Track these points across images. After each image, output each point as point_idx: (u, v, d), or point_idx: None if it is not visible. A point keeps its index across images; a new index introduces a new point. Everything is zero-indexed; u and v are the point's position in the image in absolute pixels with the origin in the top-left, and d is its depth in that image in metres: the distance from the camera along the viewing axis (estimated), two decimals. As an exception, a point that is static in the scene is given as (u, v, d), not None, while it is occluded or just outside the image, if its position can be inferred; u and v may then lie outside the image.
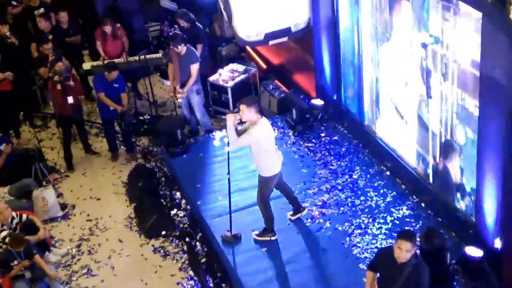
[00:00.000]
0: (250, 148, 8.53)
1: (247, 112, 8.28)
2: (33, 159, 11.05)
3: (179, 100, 11.58)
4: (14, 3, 13.81)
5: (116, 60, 12.39)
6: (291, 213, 9.37)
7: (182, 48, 11.03)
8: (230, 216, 9.01)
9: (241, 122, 8.40)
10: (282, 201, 9.32)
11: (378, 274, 7.19)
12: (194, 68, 11.10)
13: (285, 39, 11.19)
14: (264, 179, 8.67)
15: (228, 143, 8.51)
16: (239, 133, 8.39)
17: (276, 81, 12.58)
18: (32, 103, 13.31)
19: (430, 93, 8.64)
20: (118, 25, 12.67)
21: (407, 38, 8.87)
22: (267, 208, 8.88)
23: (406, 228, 7.71)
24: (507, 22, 6.70)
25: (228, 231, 9.11)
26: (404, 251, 6.64)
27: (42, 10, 13.57)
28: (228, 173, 8.76)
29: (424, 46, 8.52)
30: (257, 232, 9.11)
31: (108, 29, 12.48)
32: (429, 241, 7.92)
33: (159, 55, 12.88)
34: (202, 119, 11.62)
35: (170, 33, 12.99)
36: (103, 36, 12.60)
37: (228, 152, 8.62)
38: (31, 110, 13.20)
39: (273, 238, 9.06)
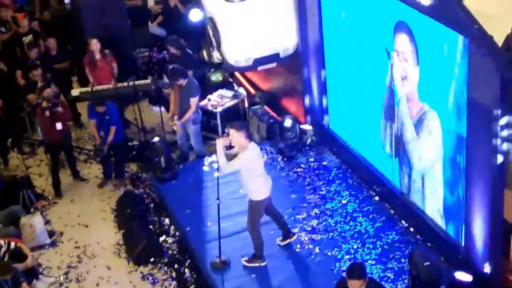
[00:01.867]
0: (240, 173, 8.53)
1: (237, 137, 8.31)
2: (21, 186, 11.00)
3: (175, 128, 11.61)
4: (3, 29, 13.80)
5: (104, 87, 12.39)
6: (280, 238, 9.34)
7: (183, 81, 11.06)
8: (220, 242, 8.97)
9: (230, 147, 8.41)
10: (272, 226, 9.29)
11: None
12: (193, 101, 11.10)
13: (273, 64, 11.24)
14: (254, 203, 8.67)
15: (218, 169, 8.51)
16: (229, 158, 8.40)
17: (265, 107, 12.60)
18: (20, 130, 13.26)
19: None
20: (107, 51, 12.67)
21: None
22: (257, 233, 8.86)
23: (352, 263, 7.72)
24: (494, 47, 6.76)
25: (217, 257, 9.07)
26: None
27: (30, 37, 13.58)
28: (218, 199, 8.75)
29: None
30: (246, 258, 9.07)
31: (95, 45, 12.38)
32: (416, 265, 7.93)
33: (148, 81, 12.87)
34: (196, 146, 11.59)
35: (160, 59, 13.06)
36: (92, 61, 12.58)
37: (218, 178, 8.61)
38: (19, 137, 13.15)
39: (262, 264, 9.03)
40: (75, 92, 12.73)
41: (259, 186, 8.61)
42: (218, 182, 8.67)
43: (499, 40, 6.80)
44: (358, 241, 9.31)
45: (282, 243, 9.33)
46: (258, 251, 9.00)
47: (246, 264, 9.06)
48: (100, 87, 12.39)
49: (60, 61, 13.09)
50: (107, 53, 12.61)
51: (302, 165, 11.06)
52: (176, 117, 11.32)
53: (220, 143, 8.34)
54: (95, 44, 12.42)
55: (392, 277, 8.66)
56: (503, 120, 7.05)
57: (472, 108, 7.46)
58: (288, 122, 11.35)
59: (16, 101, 12.75)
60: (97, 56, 12.49)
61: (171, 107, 11.51)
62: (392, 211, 9.76)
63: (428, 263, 7.86)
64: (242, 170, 8.51)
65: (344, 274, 8.59)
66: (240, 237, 9.36)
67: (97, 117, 11.35)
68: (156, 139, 11.39)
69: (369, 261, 8.94)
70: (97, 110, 11.28)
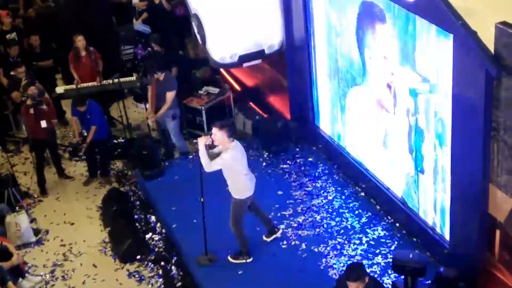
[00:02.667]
0: (223, 171, 8.53)
1: (220, 136, 8.31)
2: (5, 184, 10.95)
3: (150, 122, 11.60)
4: (-15, 27, 13.73)
5: (89, 84, 12.35)
6: (266, 234, 9.35)
7: (160, 75, 11.04)
8: (205, 239, 8.97)
9: (213, 145, 8.40)
10: (258, 223, 9.30)
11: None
12: (170, 95, 11.09)
13: (259, 61, 11.25)
14: (237, 202, 8.67)
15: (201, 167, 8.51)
16: (213, 156, 8.40)
17: (251, 103, 12.61)
18: (5, 128, 13.19)
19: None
20: (92, 48, 12.62)
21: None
22: (240, 230, 8.86)
23: (351, 264, 7.69)
24: (478, 43, 6.79)
25: (203, 254, 9.07)
26: None
27: (14, 34, 13.50)
28: (202, 197, 8.74)
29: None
30: (232, 255, 9.07)
31: (80, 41, 12.32)
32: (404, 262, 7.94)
33: (133, 78, 12.85)
34: (177, 143, 11.59)
35: (145, 56, 13.02)
36: (77, 58, 12.52)
37: (201, 174, 8.60)
38: (4, 135, 13.09)
39: (248, 260, 9.04)
40: (60, 89, 12.70)
41: (243, 185, 8.62)
42: (202, 178, 8.65)
43: (483, 36, 6.82)
44: (344, 237, 9.33)
45: (268, 239, 9.35)
46: (243, 248, 9.01)
47: (232, 261, 9.07)
48: (85, 85, 12.37)
49: (44, 59, 13.03)
50: (92, 51, 12.56)
51: (288, 162, 11.07)
52: (152, 110, 11.35)
53: (202, 141, 8.34)
54: (80, 41, 12.37)
55: (378, 272, 8.69)
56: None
57: (456, 103, 7.49)
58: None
59: (0, 99, 12.69)
60: (82, 53, 12.44)
61: (149, 101, 11.51)
62: (377, 207, 9.79)
63: (411, 255, 7.88)
64: (225, 169, 8.51)
65: (334, 267, 8.76)
66: (226, 233, 9.33)
67: (79, 116, 11.33)
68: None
69: (356, 257, 8.96)
70: (79, 109, 11.27)
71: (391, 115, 8.96)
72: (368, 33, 8.99)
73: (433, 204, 8.59)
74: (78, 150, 12.13)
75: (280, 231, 9.40)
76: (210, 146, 8.45)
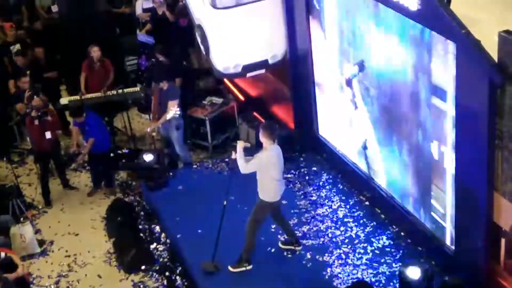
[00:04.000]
0: (257, 172, 8.61)
1: (261, 136, 8.54)
2: (10, 196, 10.97)
3: (149, 131, 11.71)
4: (-11, 39, 13.79)
5: (93, 95, 12.40)
6: (283, 242, 9.39)
7: (164, 84, 11.08)
8: (217, 244, 8.94)
9: (248, 151, 8.60)
10: (264, 232, 9.29)
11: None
12: (171, 104, 11.11)
13: (262, 71, 11.27)
14: (262, 203, 8.74)
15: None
16: (247, 160, 8.58)
17: (254, 113, 12.62)
18: (9, 139, 13.22)
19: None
20: (106, 59, 12.66)
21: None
22: (254, 234, 8.87)
23: (357, 283, 7.61)
24: (481, 51, 6.80)
25: (210, 260, 9.04)
26: None
27: (18, 46, 13.55)
28: (226, 199, 8.88)
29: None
30: (232, 265, 9.05)
31: (95, 52, 12.43)
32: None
33: (137, 88, 12.88)
34: (181, 153, 11.60)
35: (149, 66, 13.05)
36: (90, 67, 12.57)
37: (230, 178, 8.75)
38: (8, 146, 13.12)
39: (248, 267, 9.02)
40: (64, 100, 12.74)
41: (273, 189, 8.72)
42: (230, 182, 8.79)
43: (487, 44, 6.83)
44: (349, 246, 9.33)
45: (283, 246, 9.38)
46: (245, 253, 8.99)
47: (232, 270, 9.05)
48: (89, 96, 12.42)
49: (49, 70, 13.06)
50: (106, 61, 12.63)
51: (292, 171, 11.07)
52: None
53: (240, 145, 8.55)
54: (95, 52, 12.46)
55: (383, 281, 8.68)
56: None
57: (460, 112, 7.50)
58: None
59: (5, 110, 12.73)
60: (97, 63, 12.51)
61: (152, 111, 11.54)
62: (382, 216, 9.79)
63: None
64: (259, 170, 8.63)
65: (339, 276, 8.75)
66: (234, 244, 9.28)
67: (80, 126, 11.37)
68: (149, 158, 11.32)
69: (361, 266, 8.95)
70: (77, 120, 11.31)
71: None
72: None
73: (437, 213, 8.59)
74: (72, 161, 12.20)
75: (300, 247, 9.35)
76: (246, 149, 8.60)
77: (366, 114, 9.51)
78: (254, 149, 11.54)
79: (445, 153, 8.04)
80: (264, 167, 8.56)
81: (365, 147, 9.77)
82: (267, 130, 8.57)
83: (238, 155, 8.54)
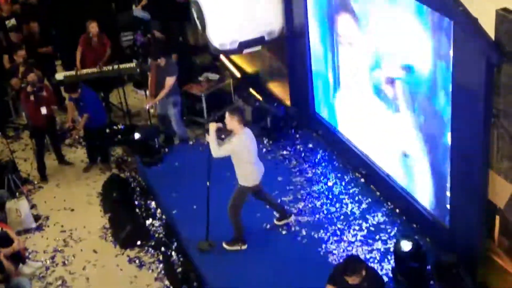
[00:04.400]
0: (232, 157, 8.54)
1: (229, 121, 8.36)
2: (6, 171, 10.96)
3: (147, 107, 11.67)
4: (-16, 14, 13.70)
5: (89, 70, 12.35)
6: (277, 217, 9.42)
7: (161, 60, 11.04)
8: (208, 224, 8.99)
9: (223, 131, 8.39)
10: (259, 209, 9.32)
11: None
12: (169, 80, 11.06)
13: (259, 47, 11.23)
14: (241, 188, 8.69)
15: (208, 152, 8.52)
16: (221, 144, 8.42)
17: (251, 90, 12.60)
18: (5, 114, 13.19)
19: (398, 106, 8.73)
20: (103, 34, 12.61)
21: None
22: (237, 217, 8.88)
23: (348, 258, 7.66)
24: (478, 29, 6.79)
25: (204, 239, 9.09)
26: (352, 281, 6.98)
27: (13, 20, 13.47)
28: (208, 180, 8.74)
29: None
30: (226, 242, 9.09)
31: (93, 28, 12.38)
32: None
33: (132, 64, 12.83)
34: (178, 130, 11.59)
35: (145, 42, 13.00)
36: (87, 42, 12.52)
37: (209, 159, 8.62)
38: (4, 121, 13.09)
39: (243, 247, 9.06)
40: (59, 76, 12.69)
41: (250, 173, 8.64)
42: (210, 164, 8.68)
43: (484, 22, 6.81)
44: (344, 223, 9.37)
45: (279, 223, 9.39)
46: (238, 235, 9.03)
47: (226, 247, 9.09)
48: (84, 71, 12.38)
49: (44, 45, 13.01)
50: (103, 36, 12.57)
51: (288, 148, 11.09)
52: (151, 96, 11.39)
53: (213, 127, 8.36)
54: (93, 28, 12.40)
55: (378, 258, 8.73)
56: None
57: (457, 90, 7.50)
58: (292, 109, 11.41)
59: (0, 85, 12.68)
60: (94, 38, 12.45)
61: (149, 87, 11.51)
62: (377, 193, 9.82)
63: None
64: (233, 155, 8.51)
65: (334, 252, 8.80)
66: (228, 220, 9.35)
67: (74, 102, 11.34)
68: (136, 136, 11.38)
69: (356, 243, 9.00)
70: (72, 96, 11.29)
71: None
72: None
73: (432, 190, 8.62)
74: (66, 136, 12.21)
75: (292, 217, 9.41)
76: (220, 130, 8.46)
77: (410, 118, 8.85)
78: (251, 125, 11.65)
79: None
80: (238, 152, 8.45)
81: (406, 155, 9.08)
82: (237, 114, 8.39)
83: (211, 138, 8.37)
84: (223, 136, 8.51)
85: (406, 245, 7.98)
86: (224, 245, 9.10)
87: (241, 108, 8.81)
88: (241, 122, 8.42)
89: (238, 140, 8.37)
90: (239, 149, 8.41)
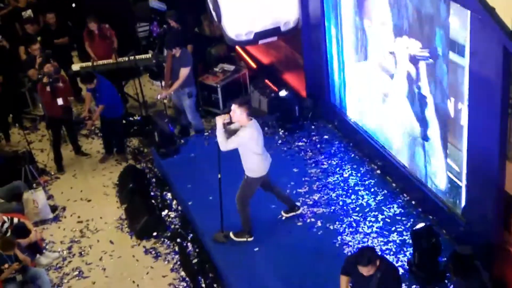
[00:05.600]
0: (239, 149, 8.53)
1: (238, 113, 8.30)
2: (23, 161, 11.03)
3: (159, 98, 11.69)
4: (1, 5, 13.74)
5: (105, 61, 12.39)
6: (285, 210, 9.38)
7: (176, 51, 11.02)
8: (222, 216, 9.00)
9: (230, 123, 8.40)
10: (274, 201, 9.31)
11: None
12: (184, 71, 11.05)
13: (274, 38, 11.21)
14: (249, 180, 8.68)
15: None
16: (229, 132, 8.39)
17: (266, 81, 12.58)
18: (21, 105, 13.27)
19: (415, 94, 8.67)
20: (107, 25, 12.65)
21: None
22: (245, 209, 8.87)
23: (362, 249, 7.61)
24: (496, 18, 6.71)
25: (220, 231, 9.10)
26: (366, 272, 6.89)
27: (29, 11, 13.53)
28: (219, 172, 8.75)
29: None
30: (234, 232, 9.09)
31: (93, 26, 12.47)
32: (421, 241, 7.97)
33: (148, 55, 12.85)
34: (193, 121, 11.59)
35: (161, 33, 13.00)
36: (90, 37, 12.59)
37: (219, 152, 8.61)
38: (21, 112, 13.16)
39: (249, 239, 9.05)
40: (76, 67, 12.74)
41: (256, 164, 8.61)
42: (219, 156, 8.66)
43: (501, 12, 6.73)
44: (360, 215, 9.34)
45: (286, 215, 9.37)
46: (245, 226, 9.02)
47: (233, 237, 9.08)
48: (101, 62, 12.43)
49: (60, 36, 13.05)
50: (105, 28, 12.60)
51: (303, 139, 11.06)
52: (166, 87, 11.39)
53: (220, 120, 8.33)
54: (93, 26, 12.55)
55: (394, 250, 8.70)
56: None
57: (474, 80, 7.44)
58: (283, 93, 11.34)
59: (17, 76, 12.74)
60: (94, 27, 12.50)
61: (165, 77, 11.51)
62: (393, 185, 9.78)
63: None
64: (241, 147, 8.50)
65: (350, 244, 8.77)
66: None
67: (92, 92, 11.38)
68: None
69: (372, 234, 8.97)
70: (87, 86, 11.33)
71: (393, 80, 8.98)
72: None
73: (448, 182, 8.56)
74: (80, 127, 12.33)
75: (300, 209, 9.40)
76: (227, 123, 8.43)
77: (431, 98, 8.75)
78: (267, 116, 11.65)
79: (462, 110, 7.95)
80: (245, 144, 8.41)
81: (426, 138, 8.96)
82: (244, 107, 8.34)
83: (218, 130, 8.34)
84: (232, 125, 8.47)
85: (466, 250, 7.85)
86: (231, 235, 9.09)
87: (247, 100, 8.73)
88: (248, 114, 8.39)
89: (246, 132, 8.34)
90: (248, 142, 8.39)
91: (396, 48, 8.81)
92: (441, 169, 8.64)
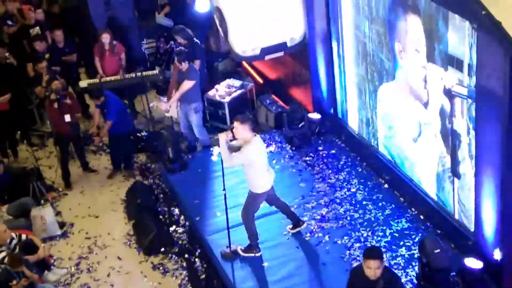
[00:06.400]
0: (243, 165, 8.51)
1: (241, 129, 8.26)
2: (31, 178, 11.05)
3: (159, 108, 11.62)
4: (10, 22, 13.82)
5: (112, 78, 12.44)
6: (290, 226, 9.36)
7: (184, 65, 11.04)
8: (229, 232, 8.99)
9: (234, 139, 8.38)
10: (281, 215, 9.30)
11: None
12: (186, 83, 10.99)
13: (281, 53, 11.23)
14: (253, 195, 8.67)
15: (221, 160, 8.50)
16: (233, 149, 8.37)
17: (273, 96, 12.60)
18: (29, 122, 13.31)
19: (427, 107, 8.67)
20: (115, 42, 12.71)
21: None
22: (251, 224, 8.85)
23: (370, 246, 7.57)
24: (502, 32, 6.72)
25: (227, 247, 9.09)
26: (374, 269, 6.85)
27: (37, 29, 13.59)
28: (224, 189, 8.74)
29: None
30: (242, 248, 9.07)
31: (106, 38, 12.50)
32: (427, 253, 7.93)
33: (155, 71, 12.89)
34: (200, 137, 11.60)
35: (169, 49, 13.04)
36: (101, 52, 12.64)
37: (223, 168, 8.59)
38: (28, 129, 13.21)
39: (257, 254, 9.03)
40: (83, 83, 12.78)
41: (260, 180, 8.58)
42: (224, 172, 8.65)
43: (507, 25, 6.74)
44: (368, 229, 9.32)
45: (292, 231, 9.35)
46: (253, 242, 9.00)
47: (241, 253, 9.06)
48: (108, 79, 12.47)
49: (68, 53, 13.11)
50: (116, 45, 12.66)
51: (310, 154, 11.06)
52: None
53: (222, 137, 8.29)
54: (105, 38, 12.51)
55: (402, 264, 8.67)
56: None
57: (481, 94, 7.44)
58: (315, 115, 11.33)
59: (25, 93, 12.80)
60: (107, 47, 12.54)
61: (168, 89, 11.51)
62: (401, 199, 9.76)
63: (438, 250, 7.85)
64: (245, 163, 8.47)
65: (358, 259, 8.73)
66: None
67: (101, 109, 11.41)
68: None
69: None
70: (95, 102, 11.36)
71: (425, 109, 8.82)
72: (399, 24, 8.83)
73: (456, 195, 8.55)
74: (88, 143, 12.38)
75: (305, 224, 9.38)
76: (231, 140, 8.41)
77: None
78: (274, 132, 11.65)
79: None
80: (250, 161, 8.36)
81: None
82: (248, 123, 8.26)
83: (221, 147, 8.27)
84: (231, 143, 8.44)
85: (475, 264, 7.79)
86: (239, 251, 9.08)
87: (249, 116, 8.68)
88: (251, 130, 8.32)
89: (250, 149, 8.29)
90: (251, 158, 8.35)
91: (429, 77, 8.57)
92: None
